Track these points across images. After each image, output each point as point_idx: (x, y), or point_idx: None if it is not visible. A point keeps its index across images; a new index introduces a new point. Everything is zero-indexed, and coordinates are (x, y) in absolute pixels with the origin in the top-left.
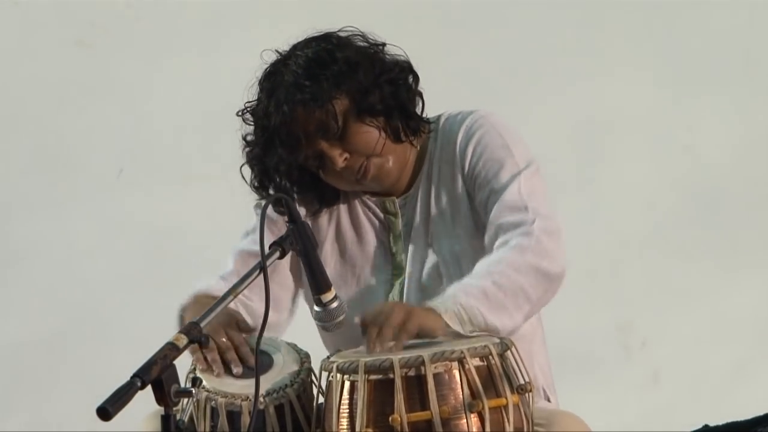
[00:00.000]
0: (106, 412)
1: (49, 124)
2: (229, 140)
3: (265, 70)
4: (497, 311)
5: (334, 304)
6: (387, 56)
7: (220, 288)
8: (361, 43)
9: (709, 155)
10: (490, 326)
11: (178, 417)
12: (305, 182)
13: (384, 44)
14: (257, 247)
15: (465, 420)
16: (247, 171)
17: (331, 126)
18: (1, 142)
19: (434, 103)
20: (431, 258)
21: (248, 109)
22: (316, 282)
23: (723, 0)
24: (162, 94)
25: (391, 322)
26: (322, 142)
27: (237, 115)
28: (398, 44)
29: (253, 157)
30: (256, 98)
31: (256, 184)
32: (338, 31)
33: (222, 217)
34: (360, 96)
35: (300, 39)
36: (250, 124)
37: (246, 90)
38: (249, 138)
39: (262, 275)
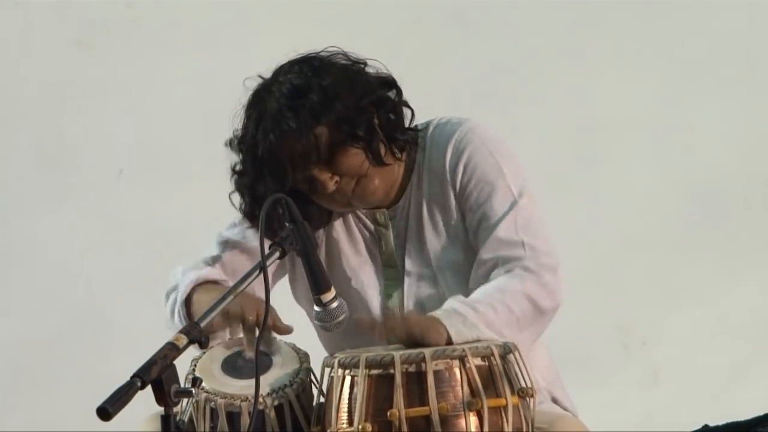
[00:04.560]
0: (106, 412)
1: (49, 124)
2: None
3: (250, 97)
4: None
5: (335, 304)
6: (370, 74)
7: (215, 274)
8: (344, 63)
9: (709, 155)
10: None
11: (178, 417)
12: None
13: (365, 63)
14: (242, 239)
15: (463, 418)
16: (236, 198)
17: (314, 155)
18: (1, 142)
19: (434, 103)
20: (428, 269)
21: (236, 138)
22: (316, 282)
23: (723, 0)
24: (162, 94)
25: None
26: (311, 169)
27: (224, 145)
28: (397, 45)
29: (242, 185)
30: (243, 126)
31: (245, 211)
32: (320, 52)
33: (222, 217)
34: (340, 124)
35: (283, 62)
36: (238, 154)
37: (232, 117)
38: (238, 167)
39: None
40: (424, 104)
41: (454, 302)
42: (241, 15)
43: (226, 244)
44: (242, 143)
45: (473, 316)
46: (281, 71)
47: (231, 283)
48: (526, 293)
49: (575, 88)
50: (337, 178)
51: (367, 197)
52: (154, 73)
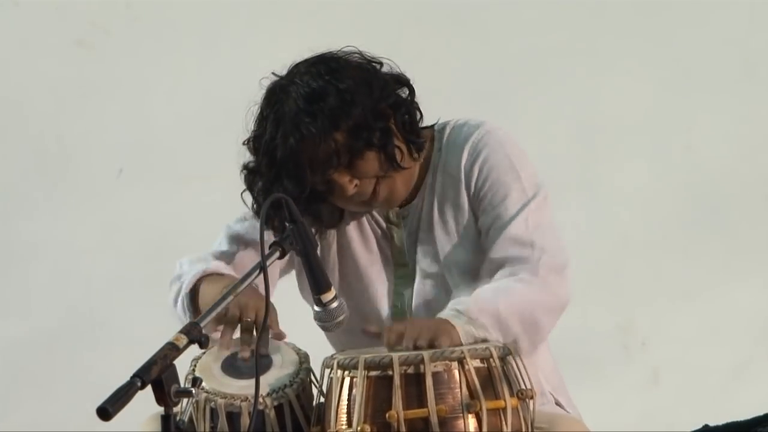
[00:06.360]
0: (106, 412)
1: (49, 124)
2: (228, 140)
3: (266, 96)
4: (506, 338)
5: (335, 304)
6: (385, 74)
7: (223, 268)
8: (359, 62)
9: (709, 155)
10: None
11: (178, 417)
12: (310, 208)
13: (381, 63)
14: (251, 234)
15: (462, 420)
16: (244, 197)
17: (334, 160)
18: (1, 143)
19: (434, 103)
20: (438, 269)
21: (252, 138)
22: (317, 282)
23: (723, 0)
24: (162, 94)
25: (411, 337)
26: (330, 173)
27: (243, 144)
28: (397, 45)
29: (257, 186)
30: (259, 125)
31: (258, 211)
32: (336, 52)
33: (222, 217)
34: (359, 130)
35: (299, 59)
36: (253, 153)
37: (246, 113)
38: (251, 166)
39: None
40: (424, 104)
41: (460, 303)
42: (240, 15)
43: (235, 239)
44: (258, 144)
45: (480, 316)
46: (297, 72)
47: (238, 277)
48: (531, 298)
49: (575, 88)
50: (356, 181)
51: (387, 198)
52: (154, 73)
